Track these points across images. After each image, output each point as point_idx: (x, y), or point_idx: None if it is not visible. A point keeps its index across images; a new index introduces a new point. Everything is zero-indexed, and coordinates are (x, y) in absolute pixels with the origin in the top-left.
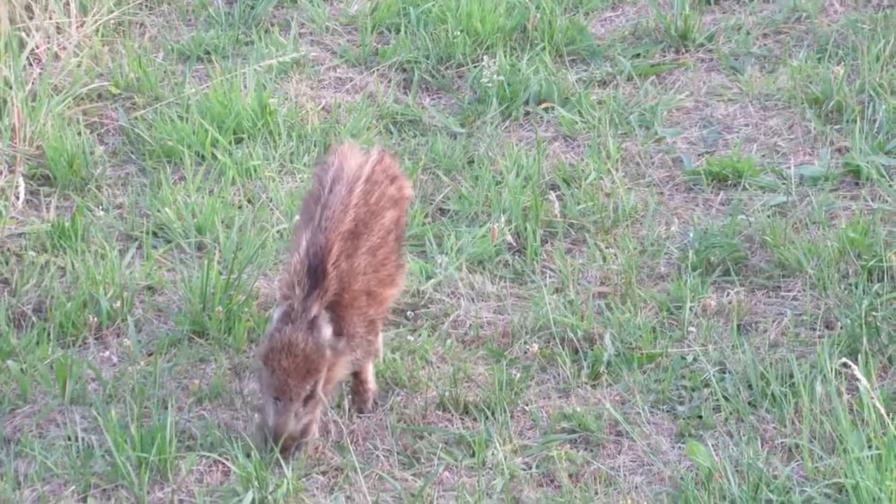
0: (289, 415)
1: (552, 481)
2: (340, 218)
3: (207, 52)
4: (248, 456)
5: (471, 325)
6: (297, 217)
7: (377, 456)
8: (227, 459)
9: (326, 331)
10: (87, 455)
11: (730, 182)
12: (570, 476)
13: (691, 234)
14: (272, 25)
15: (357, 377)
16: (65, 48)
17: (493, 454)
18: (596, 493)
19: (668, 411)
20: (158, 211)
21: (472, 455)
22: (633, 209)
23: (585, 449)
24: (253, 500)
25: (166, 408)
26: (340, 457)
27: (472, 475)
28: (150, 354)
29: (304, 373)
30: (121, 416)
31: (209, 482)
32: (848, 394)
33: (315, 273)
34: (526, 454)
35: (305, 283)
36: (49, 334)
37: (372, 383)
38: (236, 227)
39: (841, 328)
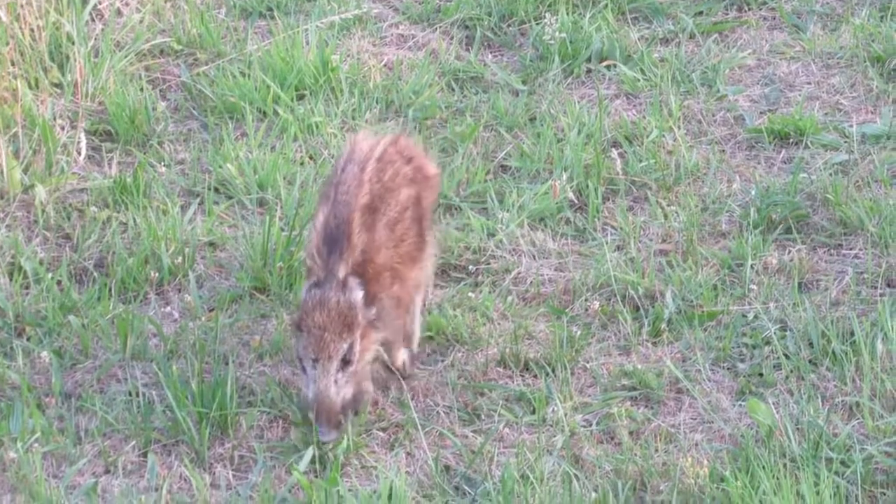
0: (329, 378)
1: (612, 438)
2: (356, 192)
3: (270, 9)
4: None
5: (532, 282)
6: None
7: (437, 412)
8: (288, 415)
9: (358, 293)
10: (147, 410)
11: (791, 140)
12: (631, 433)
13: (753, 192)
14: None
15: (388, 366)
16: (127, 4)
17: (553, 411)
18: (656, 451)
19: (728, 369)
20: (220, 167)
21: (533, 412)
22: (695, 167)
23: (646, 406)
24: (313, 456)
25: (227, 364)
26: (401, 413)
27: (533, 432)
28: (211, 310)
29: (340, 328)
30: (181, 372)
31: (269, 438)
32: None
33: (337, 240)
34: (586, 411)
35: (328, 251)
36: (110, 290)
37: (406, 365)
38: (298, 183)
39: None
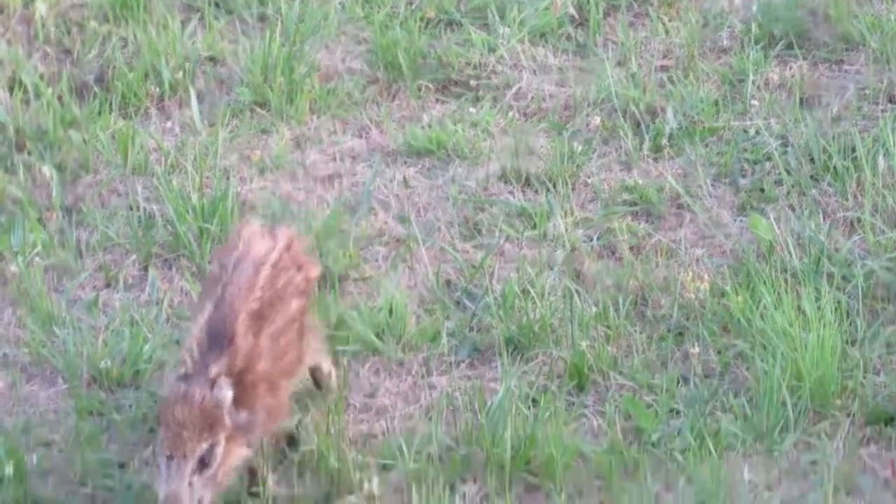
0: (182, 479)
1: (613, 253)
2: (246, 296)
3: None
4: (310, 227)
5: (532, 97)
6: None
7: (438, 227)
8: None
9: (227, 393)
10: (148, 225)
11: None
12: (631, 248)
13: (754, 7)
14: None
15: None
16: None
17: (554, 226)
18: (657, 265)
19: (729, 184)
20: None
21: (534, 227)
22: None
23: (646, 221)
24: None
25: (227, 178)
26: (402, 228)
27: (534, 247)
28: (211, 125)
29: (201, 427)
30: (182, 186)
31: None
32: None
33: (218, 339)
34: (587, 226)
35: (206, 347)
36: (111, 105)
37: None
38: None
39: None
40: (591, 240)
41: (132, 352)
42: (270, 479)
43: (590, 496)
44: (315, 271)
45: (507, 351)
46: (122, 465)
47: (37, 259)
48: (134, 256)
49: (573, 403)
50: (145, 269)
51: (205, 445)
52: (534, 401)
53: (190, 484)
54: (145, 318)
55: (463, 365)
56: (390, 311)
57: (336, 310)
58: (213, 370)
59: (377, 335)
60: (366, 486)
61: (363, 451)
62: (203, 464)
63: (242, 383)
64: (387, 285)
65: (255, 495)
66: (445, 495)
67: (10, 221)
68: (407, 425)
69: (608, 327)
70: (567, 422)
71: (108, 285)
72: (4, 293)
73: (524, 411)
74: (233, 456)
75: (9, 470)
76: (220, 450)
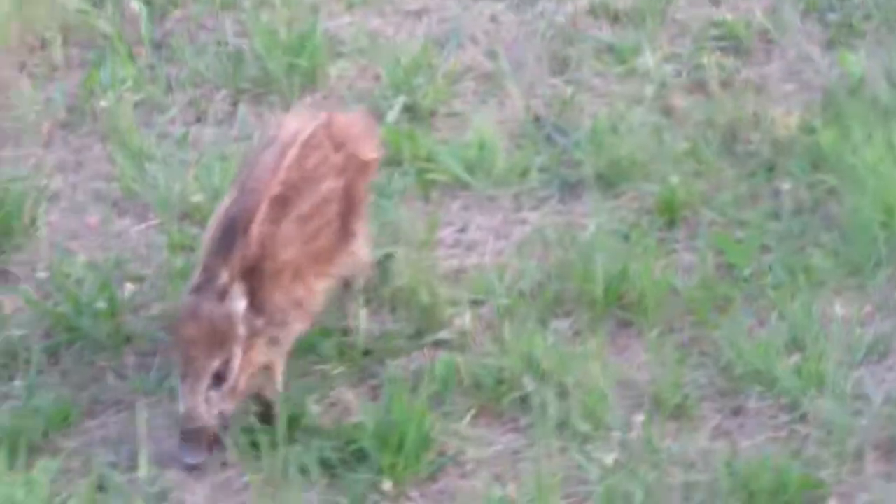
0: (196, 397)
1: (702, 88)
2: (268, 181)
3: None
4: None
5: None
6: None
7: (527, 62)
8: (377, 65)
9: (239, 303)
10: (237, 60)
11: None
12: (721, 83)
13: None
14: None
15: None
16: None
17: (643, 62)
18: (746, 101)
19: (818, 19)
20: None
21: (623, 63)
22: None
23: (736, 56)
24: (403, 104)
25: (316, 13)
26: (490, 63)
27: (623, 83)
28: None
29: (211, 344)
30: (271, 22)
31: (358, 89)
32: None
33: (231, 234)
34: (676, 62)
35: (216, 249)
36: None
37: (278, 390)
38: None
39: None
40: (680, 75)
41: (222, 187)
42: (362, 315)
43: (681, 331)
44: (368, 152)
45: (598, 186)
46: None
47: (126, 94)
48: (223, 92)
49: (664, 239)
50: (234, 104)
51: (217, 363)
52: (625, 236)
53: (206, 400)
54: (235, 153)
55: (553, 200)
56: (480, 146)
57: (426, 145)
58: (224, 277)
59: (467, 170)
60: (457, 321)
61: (454, 286)
62: (219, 378)
63: (261, 275)
64: (476, 120)
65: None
66: (537, 331)
67: (99, 57)
68: (498, 261)
69: (698, 162)
70: (658, 257)
71: (197, 120)
72: (95, 128)
73: (615, 247)
74: (253, 363)
75: (101, 304)
76: (235, 362)
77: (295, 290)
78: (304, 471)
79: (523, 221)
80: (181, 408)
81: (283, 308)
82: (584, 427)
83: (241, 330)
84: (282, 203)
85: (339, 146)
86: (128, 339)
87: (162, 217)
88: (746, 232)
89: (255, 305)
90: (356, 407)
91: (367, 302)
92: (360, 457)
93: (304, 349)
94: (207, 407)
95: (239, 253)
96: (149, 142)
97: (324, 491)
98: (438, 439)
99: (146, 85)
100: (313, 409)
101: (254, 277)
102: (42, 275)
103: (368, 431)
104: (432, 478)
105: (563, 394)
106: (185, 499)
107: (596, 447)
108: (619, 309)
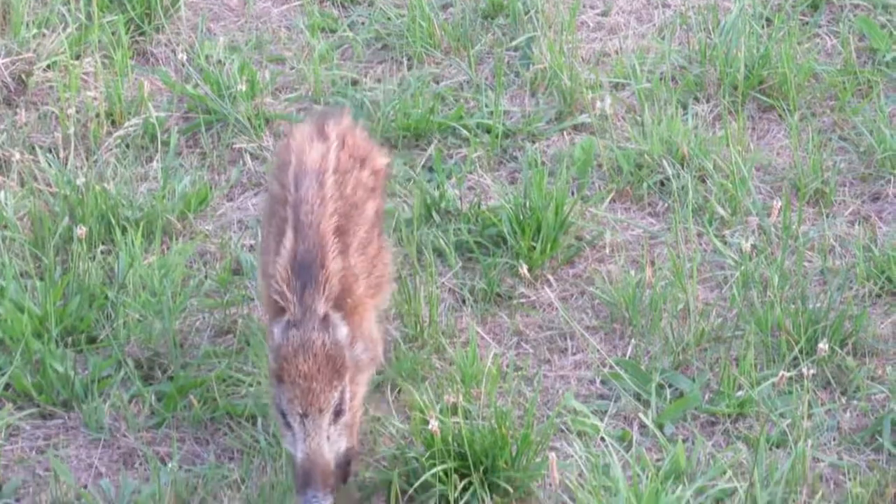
0: (321, 435)
1: None
2: (321, 212)
3: None
4: None
5: None
6: (261, 230)
7: None
8: None
9: (342, 330)
10: None
11: None
12: None
13: None
14: None
15: None
16: None
17: None
18: None
19: None
20: None
21: None
22: None
23: None
24: None
25: None
26: None
27: None
28: None
29: (330, 375)
30: None
31: None
32: None
33: (310, 269)
34: None
35: (300, 284)
36: None
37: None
38: None
39: None
40: None
41: None
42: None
43: (822, 116)
44: (381, 160)
45: None
46: (354, 83)
47: None
48: None
49: (807, 23)
50: None
51: (336, 395)
52: (767, 20)
53: (328, 438)
54: None
55: None
56: None
57: None
58: (321, 307)
59: None
60: (598, 104)
61: (595, 69)
62: (338, 412)
63: (345, 311)
64: None
65: None
66: (678, 114)
67: None
68: (640, 44)
69: None
70: (801, 41)
71: None
72: None
73: (758, 30)
74: (358, 394)
75: (241, 86)
76: (348, 393)
77: (366, 321)
78: (440, 253)
79: (665, 4)
80: (301, 451)
81: (364, 338)
82: (723, 211)
83: (348, 359)
84: (341, 234)
85: (362, 163)
86: (267, 121)
87: None
88: (890, 16)
89: (351, 340)
90: (494, 191)
91: (508, 86)
92: (498, 240)
93: (445, 130)
94: (329, 445)
95: (326, 284)
96: None
97: (460, 275)
98: (576, 223)
99: None
100: (451, 192)
101: (339, 310)
102: (182, 56)
103: (506, 215)
104: (569, 262)
105: (702, 178)
106: None
107: (734, 232)
108: (759, 93)
